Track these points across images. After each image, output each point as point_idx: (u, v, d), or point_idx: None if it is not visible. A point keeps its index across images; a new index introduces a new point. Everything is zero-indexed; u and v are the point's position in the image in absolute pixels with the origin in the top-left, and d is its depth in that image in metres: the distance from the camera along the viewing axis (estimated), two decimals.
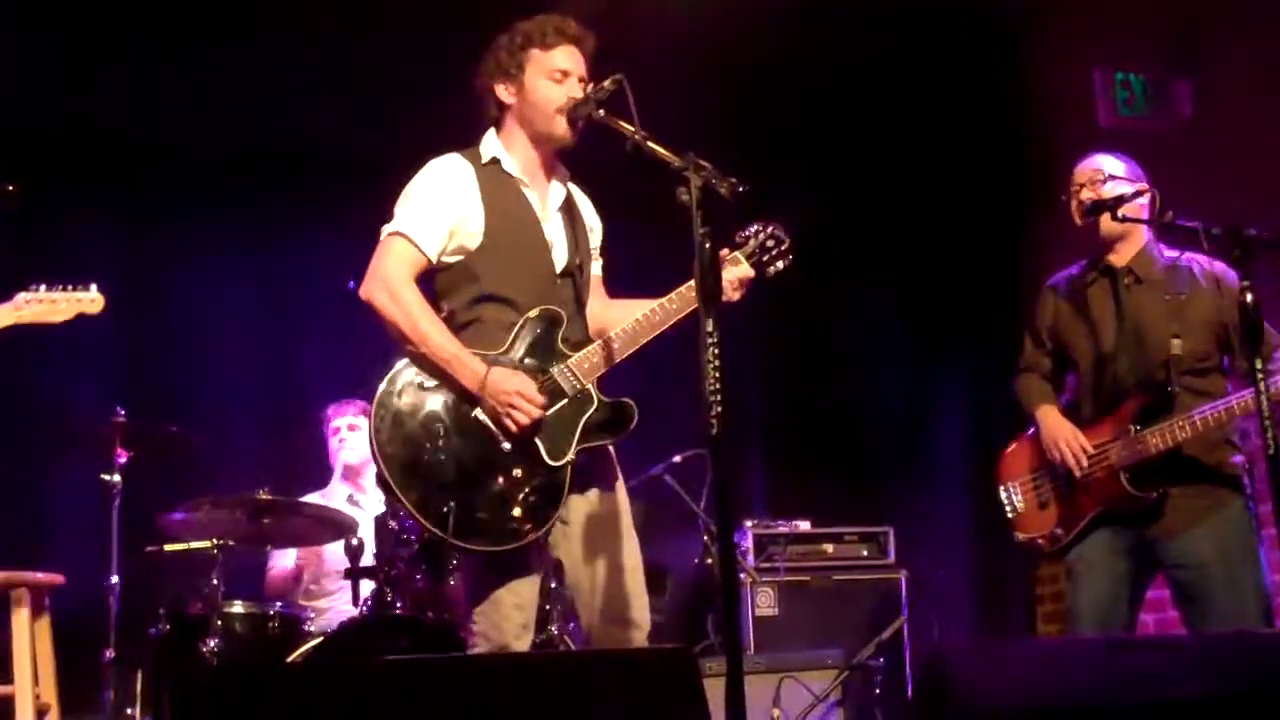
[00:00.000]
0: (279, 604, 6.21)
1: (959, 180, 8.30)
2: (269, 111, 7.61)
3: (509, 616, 4.23)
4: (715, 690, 3.45)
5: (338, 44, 7.20)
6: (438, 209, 4.32)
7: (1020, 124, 8.18)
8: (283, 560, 6.78)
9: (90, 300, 5.28)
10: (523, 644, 4.27)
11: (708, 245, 3.71)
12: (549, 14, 4.46)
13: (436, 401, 4.21)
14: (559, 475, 4.23)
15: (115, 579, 5.89)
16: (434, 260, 4.32)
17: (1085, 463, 5.08)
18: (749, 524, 7.20)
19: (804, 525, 7.32)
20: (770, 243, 4.52)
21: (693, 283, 4.09)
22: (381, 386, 4.20)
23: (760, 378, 8.51)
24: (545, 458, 4.21)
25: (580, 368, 4.28)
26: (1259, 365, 4.39)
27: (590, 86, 4.32)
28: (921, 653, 6.91)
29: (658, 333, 4.34)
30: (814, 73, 7.81)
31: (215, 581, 5.90)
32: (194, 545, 6.13)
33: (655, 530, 7.23)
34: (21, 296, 5.17)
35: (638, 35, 6.26)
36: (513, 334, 4.28)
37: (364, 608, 5.89)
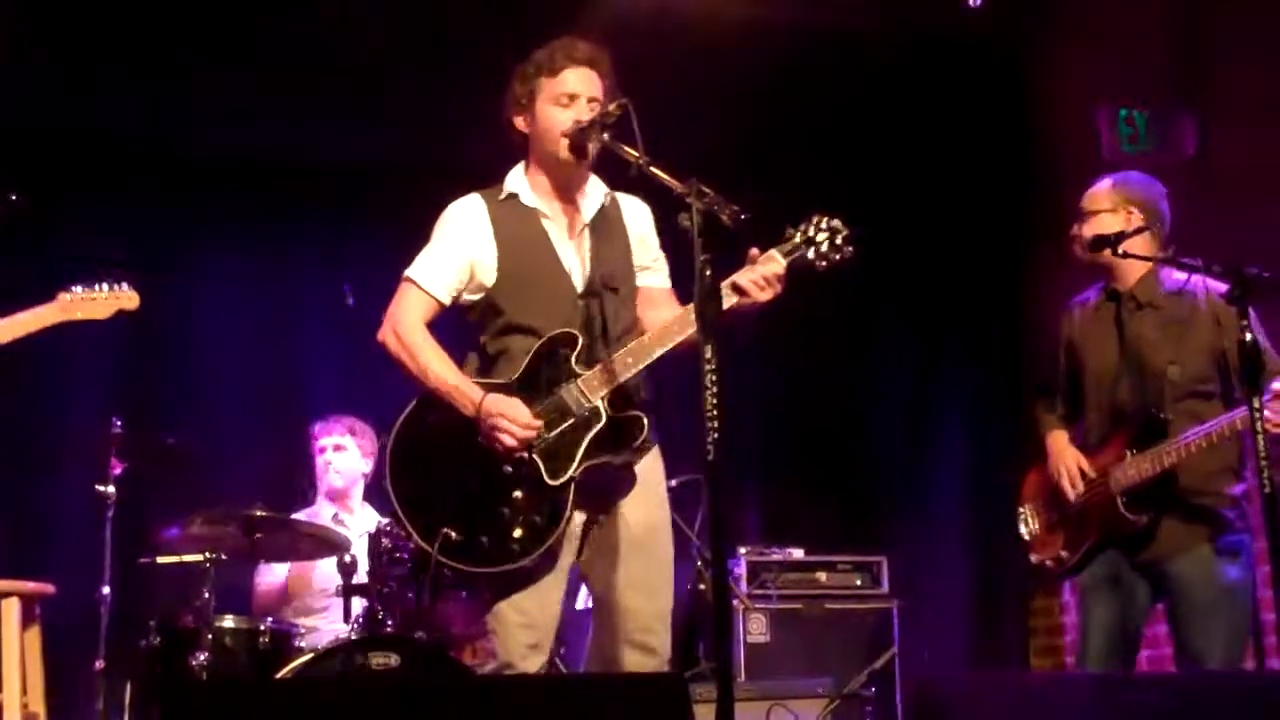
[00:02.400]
0: (269, 619, 6.19)
1: (963, 212, 8.31)
2: (269, 124, 7.61)
3: (514, 635, 4.28)
4: (705, 716, 3.45)
5: (337, 58, 7.21)
6: (446, 253, 4.46)
7: (1025, 160, 8.20)
8: (270, 576, 6.76)
9: (128, 297, 5.49)
10: (530, 664, 4.29)
11: (708, 272, 3.72)
12: (561, 38, 4.48)
13: (443, 434, 4.30)
14: (560, 495, 4.25)
15: (106, 590, 5.88)
16: (446, 302, 4.45)
17: (1080, 487, 5.11)
18: (742, 550, 7.19)
19: (797, 553, 7.31)
20: (822, 235, 4.36)
21: (690, 309, 4.13)
22: (396, 425, 4.36)
23: (758, 405, 8.50)
24: (545, 478, 4.24)
25: (589, 385, 4.30)
26: (1256, 405, 4.39)
27: (595, 112, 4.32)
28: (912, 683, 6.89)
29: (675, 343, 4.29)
30: (819, 106, 7.83)
31: (207, 595, 5.88)
32: (186, 558, 6.11)
33: None
34: (64, 296, 5.32)
35: (641, 58, 6.28)
36: (525, 361, 4.34)
37: (355, 625, 5.87)
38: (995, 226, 8.33)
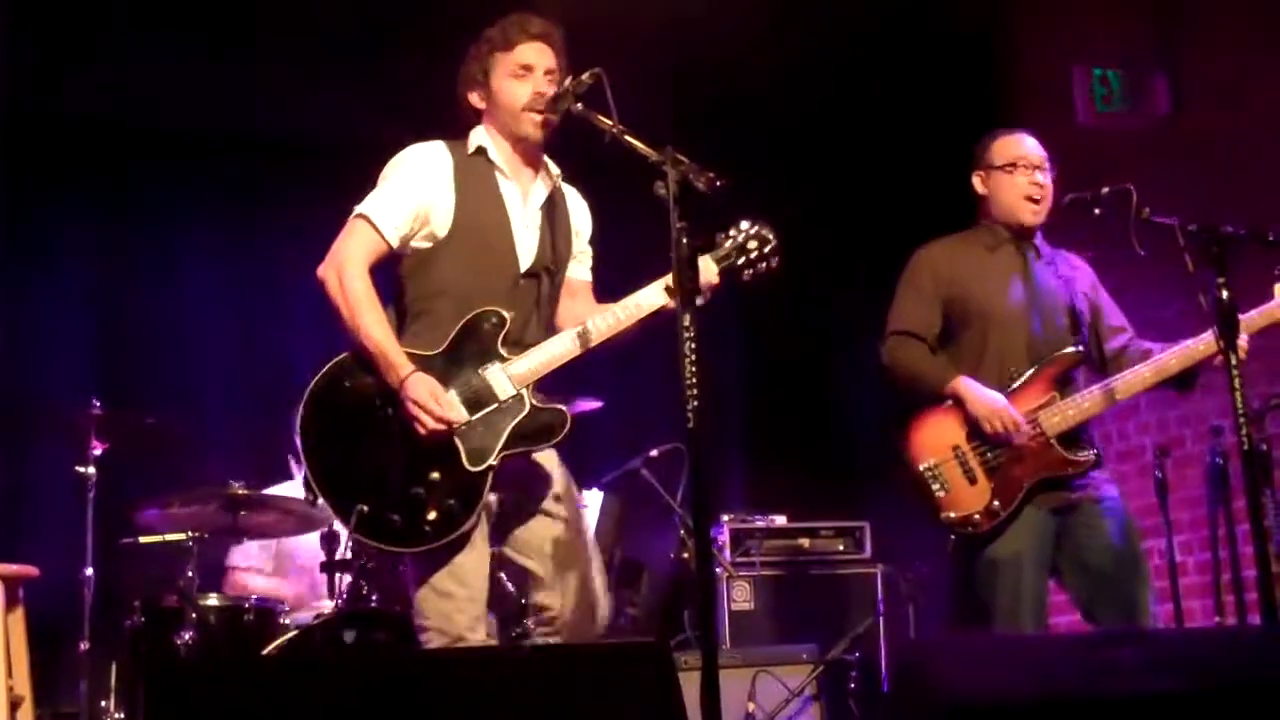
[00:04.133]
0: (254, 596, 6.19)
1: (938, 175, 8.29)
2: (247, 98, 7.59)
3: (463, 609, 4.22)
4: (690, 684, 3.45)
5: (315, 29, 7.18)
6: (405, 194, 4.33)
7: (999, 121, 8.19)
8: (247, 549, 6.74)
9: None
10: (478, 635, 4.25)
11: (685, 240, 3.71)
12: (513, 13, 4.45)
13: (365, 399, 4.21)
14: (477, 481, 4.18)
15: (90, 571, 5.87)
16: (395, 246, 4.32)
17: (1025, 433, 4.98)
18: (725, 518, 7.19)
19: (780, 520, 7.32)
20: (753, 244, 4.41)
21: (643, 293, 4.28)
22: (315, 379, 4.24)
23: (738, 372, 8.51)
24: (465, 463, 4.18)
25: (515, 372, 4.25)
26: (1233, 362, 4.41)
27: (569, 80, 4.31)
28: (897, 647, 6.91)
29: (604, 340, 4.30)
30: (791, 69, 7.82)
31: (190, 573, 5.88)
32: (169, 537, 6.10)
33: (631, 524, 7.25)
34: None
35: (607, 20, 6.27)
36: (452, 334, 4.27)
37: (339, 600, 5.88)
38: (968, 191, 8.32)
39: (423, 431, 4.13)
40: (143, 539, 6.18)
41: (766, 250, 4.43)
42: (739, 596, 6.96)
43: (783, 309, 8.19)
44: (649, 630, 7.07)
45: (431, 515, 4.16)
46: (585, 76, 4.20)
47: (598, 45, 4.48)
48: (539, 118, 4.36)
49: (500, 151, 4.44)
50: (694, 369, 3.63)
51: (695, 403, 3.61)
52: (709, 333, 3.71)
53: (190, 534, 5.99)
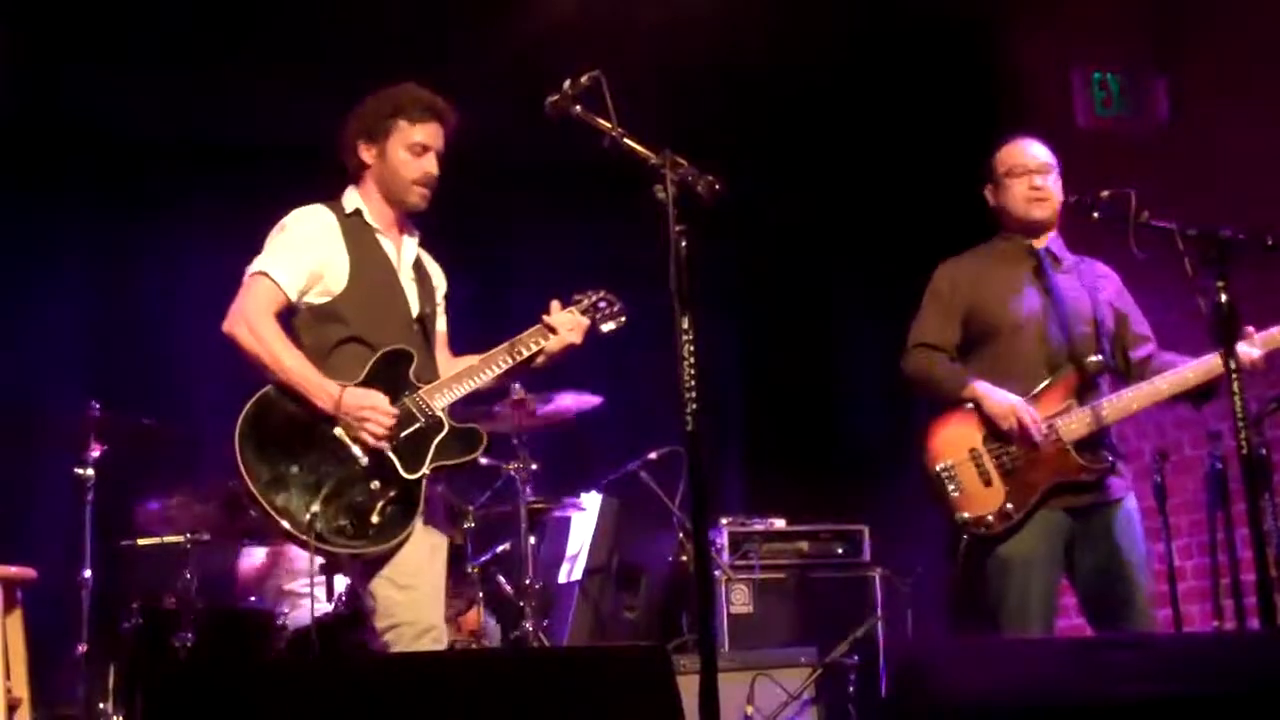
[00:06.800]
0: (252, 599, 6.19)
1: (936, 179, 8.31)
2: (246, 102, 7.59)
3: (429, 598, 4.44)
4: (689, 687, 3.45)
5: (314, 35, 7.19)
6: (300, 252, 4.54)
7: (998, 124, 8.19)
8: (253, 557, 6.74)
9: None
10: (443, 625, 4.46)
11: (683, 244, 3.72)
12: (416, 88, 4.65)
13: (297, 424, 4.39)
14: (414, 487, 4.42)
15: (88, 573, 5.86)
16: (293, 300, 4.51)
17: (1041, 433, 5.01)
18: (724, 521, 7.19)
19: (779, 523, 7.31)
20: (602, 304, 4.79)
21: (525, 335, 4.60)
22: (246, 409, 4.39)
23: (737, 375, 8.50)
24: (401, 471, 4.39)
25: (430, 397, 4.48)
26: (1233, 367, 4.41)
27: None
28: (896, 651, 6.90)
29: (494, 378, 4.61)
30: (790, 73, 7.82)
31: (188, 576, 5.89)
32: (167, 539, 6.10)
33: (630, 527, 7.24)
34: None
35: (610, 19, 6.26)
36: (366, 368, 4.46)
37: (338, 603, 5.87)
38: (970, 196, 8.32)
39: (380, 430, 4.35)
40: (141, 541, 6.18)
41: (615, 309, 4.81)
42: (738, 599, 6.96)
43: (782, 310, 8.19)
44: (647, 633, 7.07)
45: (375, 519, 4.36)
46: (584, 79, 4.19)
47: (596, 47, 4.49)
48: (426, 192, 4.62)
49: (374, 212, 4.66)
50: (692, 372, 3.63)
51: (694, 405, 3.62)
52: (707, 335, 3.71)
53: (188, 536, 5.99)
